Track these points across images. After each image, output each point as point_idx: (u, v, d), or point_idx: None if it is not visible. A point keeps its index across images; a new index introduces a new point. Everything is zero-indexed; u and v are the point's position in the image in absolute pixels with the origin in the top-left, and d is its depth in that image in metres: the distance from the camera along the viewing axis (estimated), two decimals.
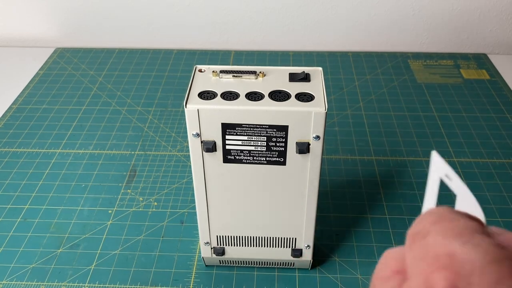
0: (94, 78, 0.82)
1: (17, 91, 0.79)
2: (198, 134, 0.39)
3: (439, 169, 0.25)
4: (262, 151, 0.40)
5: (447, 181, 0.24)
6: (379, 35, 0.90)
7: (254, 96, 0.39)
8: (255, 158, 0.41)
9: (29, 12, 0.90)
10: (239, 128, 0.39)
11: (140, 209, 0.57)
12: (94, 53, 0.89)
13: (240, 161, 0.41)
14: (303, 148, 0.39)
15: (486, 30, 0.89)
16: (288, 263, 0.49)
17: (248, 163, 0.41)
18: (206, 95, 0.39)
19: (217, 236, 0.47)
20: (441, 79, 0.81)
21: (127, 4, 0.89)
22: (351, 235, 0.53)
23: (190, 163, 0.42)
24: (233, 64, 0.85)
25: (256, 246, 0.47)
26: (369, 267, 0.50)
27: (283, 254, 0.48)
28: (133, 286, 0.48)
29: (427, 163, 0.63)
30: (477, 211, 0.22)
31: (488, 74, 0.82)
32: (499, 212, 0.56)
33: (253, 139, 0.40)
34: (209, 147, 0.40)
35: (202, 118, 0.38)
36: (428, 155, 0.64)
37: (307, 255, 0.48)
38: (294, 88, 0.40)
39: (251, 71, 0.41)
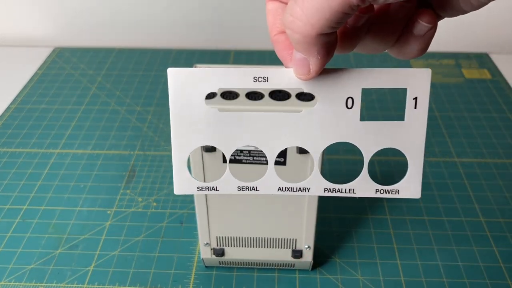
0: (93, 78, 0.81)
1: (16, 91, 0.78)
2: None
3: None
4: (262, 151, 0.40)
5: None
6: None
7: (254, 96, 0.38)
8: (255, 158, 0.40)
9: (27, 11, 0.90)
10: None
11: (140, 210, 0.57)
12: (93, 52, 0.89)
13: (240, 161, 0.41)
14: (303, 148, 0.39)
15: (487, 29, 0.89)
16: (288, 264, 0.49)
17: (248, 163, 0.41)
18: (206, 95, 0.39)
19: (216, 237, 0.46)
20: (442, 78, 0.81)
21: (126, 4, 0.88)
22: (351, 235, 0.53)
23: (190, 163, 0.41)
24: (233, 64, 0.85)
25: (256, 247, 0.47)
26: (370, 268, 0.50)
27: (283, 255, 0.47)
28: (132, 287, 0.48)
29: (428, 163, 0.63)
30: None
31: (490, 73, 0.82)
32: (500, 212, 0.56)
33: None
34: (209, 147, 0.39)
35: None
36: (429, 155, 0.64)
37: (308, 256, 0.47)
38: None
39: None
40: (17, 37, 0.94)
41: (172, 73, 0.28)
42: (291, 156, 0.40)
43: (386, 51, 0.29)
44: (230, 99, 0.38)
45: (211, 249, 0.47)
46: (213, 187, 0.31)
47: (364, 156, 0.31)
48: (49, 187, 0.60)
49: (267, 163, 0.41)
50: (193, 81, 0.28)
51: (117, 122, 0.71)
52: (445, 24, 1.01)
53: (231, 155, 0.40)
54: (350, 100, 0.29)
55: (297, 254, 0.47)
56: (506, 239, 0.53)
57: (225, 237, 0.46)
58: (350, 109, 0.29)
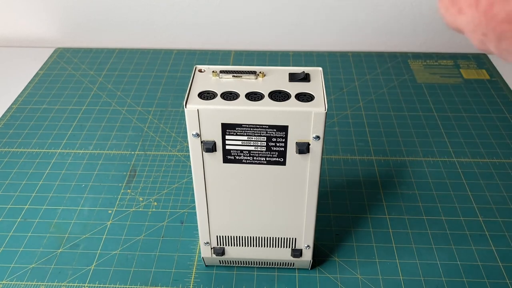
0: (94, 78, 0.82)
1: (17, 91, 0.79)
2: (198, 134, 0.39)
3: None
4: (262, 151, 0.40)
5: None
6: (379, 35, 0.90)
7: (254, 96, 0.39)
8: (255, 158, 0.41)
9: (29, 12, 0.90)
10: (239, 128, 0.39)
11: (140, 209, 0.57)
12: (94, 53, 0.89)
13: (240, 161, 0.41)
14: (303, 148, 0.39)
15: None
16: (288, 263, 0.49)
17: (248, 163, 0.41)
18: (206, 95, 0.39)
19: (217, 236, 0.47)
20: (441, 79, 0.81)
21: (127, 4, 0.89)
22: (351, 235, 0.53)
23: (190, 163, 0.42)
24: (233, 64, 0.85)
25: (256, 246, 0.47)
26: (369, 267, 0.50)
27: (283, 254, 0.48)
28: (133, 286, 0.48)
29: (427, 163, 0.63)
30: None
31: (488, 74, 0.82)
32: (499, 212, 0.56)
33: (253, 139, 0.40)
34: (209, 147, 0.40)
35: (202, 118, 0.38)
36: (428, 155, 0.64)
37: (307, 255, 0.48)
38: (294, 88, 0.40)
39: (251, 71, 0.41)
40: (18, 38, 0.94)
41: None
42: (291, 156, 0.40)
43: None
44: (230, 99, 0.38)
45: (211, 248, 0.48)
46: None
47: None
48: (50, 187, 0.60)
49: (267, 163, 0.42)
50: None
51: (118, 122, 0.71)
52: (443, 25, 1.01)
53: (231, 155, 0.41)
54: None
55: (297, 253, 0.47)
56: (505, 238, 0.53)
57: (225, 236, 0.47)
58: None
